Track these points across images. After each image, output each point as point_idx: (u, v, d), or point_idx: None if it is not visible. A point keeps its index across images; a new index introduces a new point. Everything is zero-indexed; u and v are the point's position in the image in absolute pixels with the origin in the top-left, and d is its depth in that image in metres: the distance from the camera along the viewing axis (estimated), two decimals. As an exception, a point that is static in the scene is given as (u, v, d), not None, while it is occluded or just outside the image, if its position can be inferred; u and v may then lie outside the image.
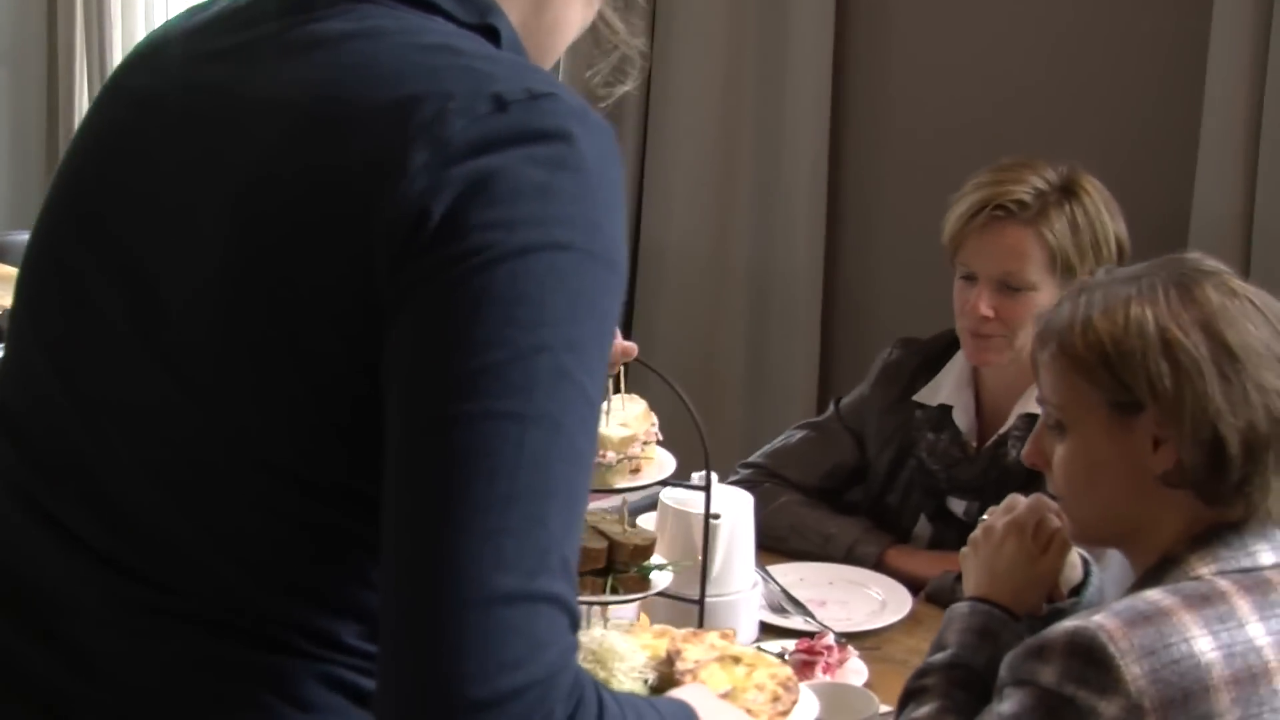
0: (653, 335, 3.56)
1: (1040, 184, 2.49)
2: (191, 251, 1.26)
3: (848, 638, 2.37)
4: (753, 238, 3.41)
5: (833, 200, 3.35)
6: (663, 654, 1.89)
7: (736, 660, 1.89)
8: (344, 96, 1.23)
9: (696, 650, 1.88)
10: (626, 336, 3.56)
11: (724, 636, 1.94)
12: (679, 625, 2.07)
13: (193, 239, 1.26)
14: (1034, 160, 2.53)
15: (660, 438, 2.09)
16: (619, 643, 1.73)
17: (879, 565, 2.60)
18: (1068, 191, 2.50)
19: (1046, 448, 1.79)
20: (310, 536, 1.26)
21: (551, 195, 1.18)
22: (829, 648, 2.28)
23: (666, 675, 1.87)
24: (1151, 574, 1.72)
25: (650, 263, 3.55)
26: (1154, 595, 1.64)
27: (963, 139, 3.18)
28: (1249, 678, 1.60)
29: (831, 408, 2.79)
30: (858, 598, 2.53)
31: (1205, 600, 1.63)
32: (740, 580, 2.35)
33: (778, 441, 2.80)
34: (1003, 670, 1.67)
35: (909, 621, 2.44)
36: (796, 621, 2.44)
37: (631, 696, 1.29)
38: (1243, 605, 1.64)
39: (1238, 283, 1.74)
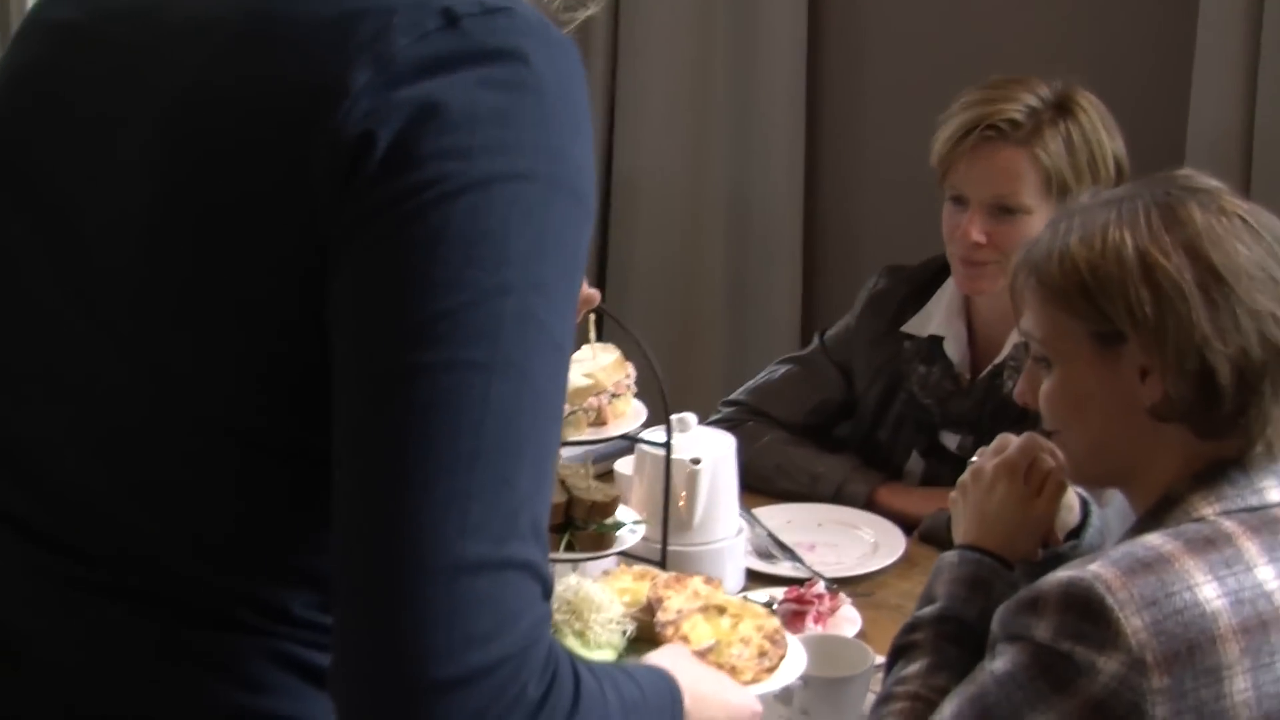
0: (627, 268, 3.43)
1: (1033, 101, 2.35)
2: (114, 184, 1.15)
3: (839, 583, 2.27)
4: (729, 162, 3.28)
5: (812, 120, 3.22)
6: (644, 598, 1.78)
7: (721, 611, 1.77)
8: (277, 12, 1.12)
9: (679, 599, 1.76)
10: (600, 270, 3.48)
11: (708, 582, 1.82)
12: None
13: (115, 171, 1.15)
14: (1027, 77, 2.40)
15: (635, 389, 1.95)
16: (595, 592, 1.61)
17: (870, 504, 2.49)
18: (1062, 109, 2.37)
19: (1036, 383, 1.69)
20: (252, 497, 1.15)
21: (510, 120, 1.07)
22: (819, 596, 2.17)
23: (646, 625, 1.75)
24: (1152, 515, 1.61)
25: (623, 191, 3.41)
26: (1154, 540, 1.52)
27: (950, 54, 3.04)
28: (1259, 625, 1.49)
29: (816, 340, 2.66)
30: (848, 540, 2.42)
31: (1209, 543, 1.52)
32: (724, 527, 2.24)
33: (760, 378, 2.68)
34: (995, 624, 1.56)
35: (903, 564, 2.34)
36: (785, 568, 2.33)
37: (608, 667, 1.20)
38: (1250, 547, 1.53)
39: (1230, 200, 1.62)
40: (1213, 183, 1.64)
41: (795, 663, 1.77)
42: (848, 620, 2.15)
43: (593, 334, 1.97)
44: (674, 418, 2.27)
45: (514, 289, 1.05)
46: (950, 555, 1.80)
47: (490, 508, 1.02)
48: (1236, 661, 1.46)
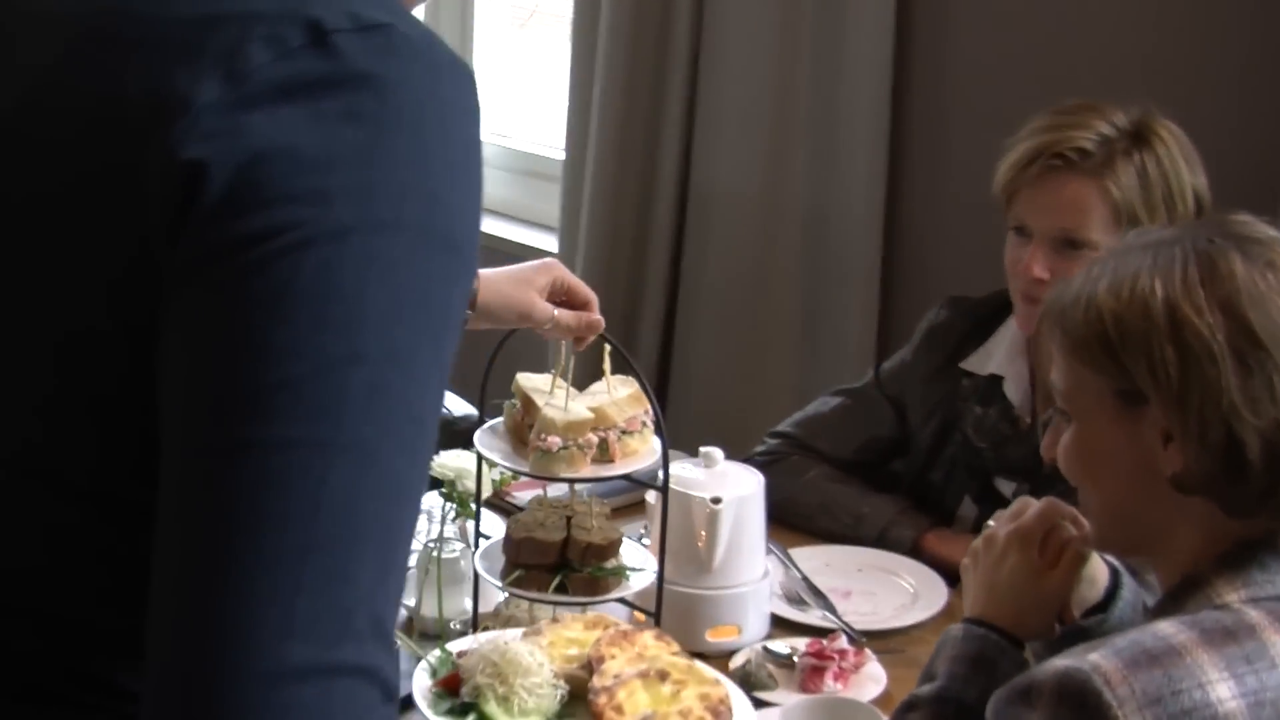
0: (699, 284, 3.30)
1: (1106, 129, 2.19)
2: None
3: (869, 636, 2.13)
4: (808, 178, 3.13)
5: (895, 139, 3.05)
6: (589, 649, 1.64)
7: (664, 676, 1.64)
8: (132, 9, 1.00)
9: (620, 659, 1.63)
10: (672, 285, 3.36)
11: (659, 639, 1.69)
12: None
13: None
14: (1100, 103, 2.24)
15: (650, 424, 1.83)
16: (523, 653, 1.48)
17: (916, 550, 2.34)
18: (1138, 138, 2.20)
19: (1059, 440, 1.56)
20: (73, 553, 1.02)
21: (377, 159, 0.94)
22: (842, 651, 2.04)
23: (581, 683, 1.62)
24: (1172, 597, 1.46)
25: (698, 205, 3.28)
26: (1167, 628, 1.37)
27: (1038, 75, 2.87)
28: None
29: (870, 373, 2.52)
30: (887, 588, 2.28)
31: (1229, 635, 1.36)
32: (747, 571, 2.11)
33: (810, 409, 2.54)
34: (988, 712, 1.42)
35: (942, 618, 2.19)
36: (814, 616, 2.19)
37: None
38: (1278, 641, 1.37)
39: (1277, 251, 1.46)
40: (1271, 232, 1.49)
41: None
42: (872, 679, 2.02)
43: (607, 365, 1.85)
44: (701, 451, 2.15)
45: (366, 358, 0.92)
46: (955, 629, 1.66)
47: (320, 606, 0.89)
48: None
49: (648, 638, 1.68)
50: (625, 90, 3.29)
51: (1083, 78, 2.77)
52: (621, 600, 1.84)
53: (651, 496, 2.15)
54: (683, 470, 2.13)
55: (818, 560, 2.34)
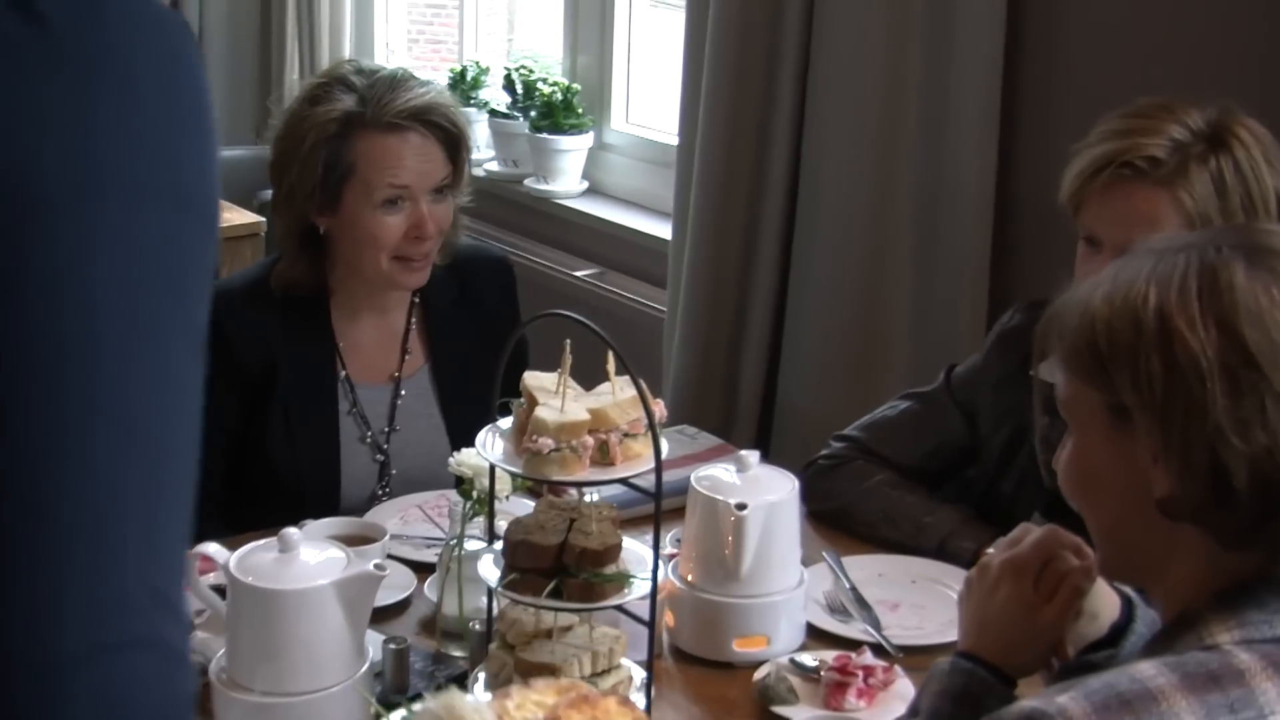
0: (808, 279, 3.22)
1: (1180, 134, 2.05)
2: None
3: (910, 651, 2.05)
4: (918, 172, 3.03)
5: (1005, 134, 2.94)
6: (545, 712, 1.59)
7: None
8: None
9: None
10: (782, 280, 3.29)
11: (623, 705, 1.63)
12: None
13: None
14: (1176, 102, 2.10)
15: (655, 429, 1.75)
16: (469, 712, 1.42)
17: (975, 563, 2.23)
18: (1216, 142, 2.06)
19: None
20: None
21: (94, 119, 0.91)
22: (868, 667, 1.96)
23: None
24: (1166, 635, 1.36)
25: (809, 198, 3.20)
26: (1147, 669, 1.27)
27: (1152, 67, 2.73)
28: None
29: (941, 377, 2.42)
30: (939, 602, 2.18)
31: (1213, 680, 1.25)
32: (779, 580, 2.04)
33: (878, 412, 2.45)
34: None
35: (991, 636, 2.09)
36: (855, 629, 2.11)
37: None
38: (1269, 689, 1.26)
39: None
40: (1260, 236, 1.37)
41: None
42: (899, 697, 1.94)
43: (611, 366, 1.79)
44: (736, 454, 2.09)
45: (109, 332, 0.90)
46: (943, 663, 1.57)
47: (93, 586, 0.88)
48: None
49: (610, 705, 1.62)
50: (734, 78, 3.22)
51: (1193, 70, 2.63)
52: (617, 608, 1.78)
53: (687, 501, 2.09)
54: (714, 473, 2.07)
55: (871, 570, 2.26)
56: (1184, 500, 1.31)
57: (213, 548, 1.89)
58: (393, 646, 1.93)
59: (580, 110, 4.05)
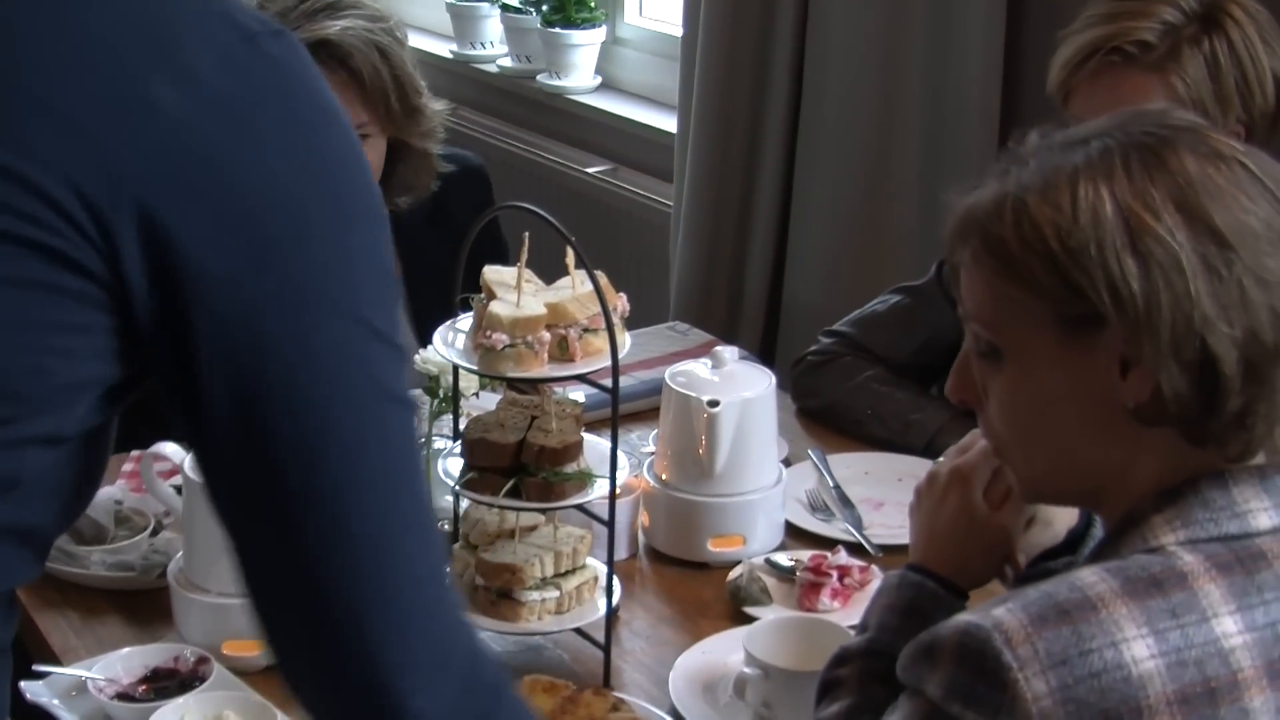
0: (813, 180, 3.14)
1: (1171, 16, 1.96)
2: None
3: (891, 551, 2.00)
4: (926, 58, 2.94)
5: (1013, 18, 2.85)
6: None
7: None
8: None
9: None
10: (789, 166, 3.22)
11: (597, 695, 1.60)
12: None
13: None
14: None
15: (611, 323, 1.70)
16: None
17: (965, 461, 2.18)
18: (1209, 22, 1.97)
19: (979, 379, 1.34)
20: None
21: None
22: (843, 567, 1.92)
23: None
24: (1111, 539, 1.29)
25: (814, 84, 3.12)
26: (1088, 577, 1.21)
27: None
28: (1205, 694, 1.17)
29: (933, 270, 2.35)
30: (925, 501, 2.13)
31: (1154, 585, 1.20)
32: (755, 478, 2.00)
33: (868, 307, 2.39)
34: (898, 669, 1.28)
35: (976, 534, 2.04)
36: (837, 528, 2.07)
37: None
38: (1212, 591, 1.20)
39: (1221, 140, 1.26)
40: (1193, 118, 1.30)
41: None
42: (874, 597, 1.89)
43: (570, 259, 1.74)
44: (713, 351, 2.04)
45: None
46: (892, 575, 1.52)
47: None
48: None
49: (588, 696, 1.60)
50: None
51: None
52: (577, 507, 1.74)
53: (662, 398, 2.04)
54: (689, 370, 2.02)
55: (857, 468, 2.21)
56: (1170, 402, 1.23)
57: (170, 448, 1.86)
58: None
59: (593, 4, 3.98)
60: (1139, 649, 1.17)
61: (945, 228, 1.33)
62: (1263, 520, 1.25)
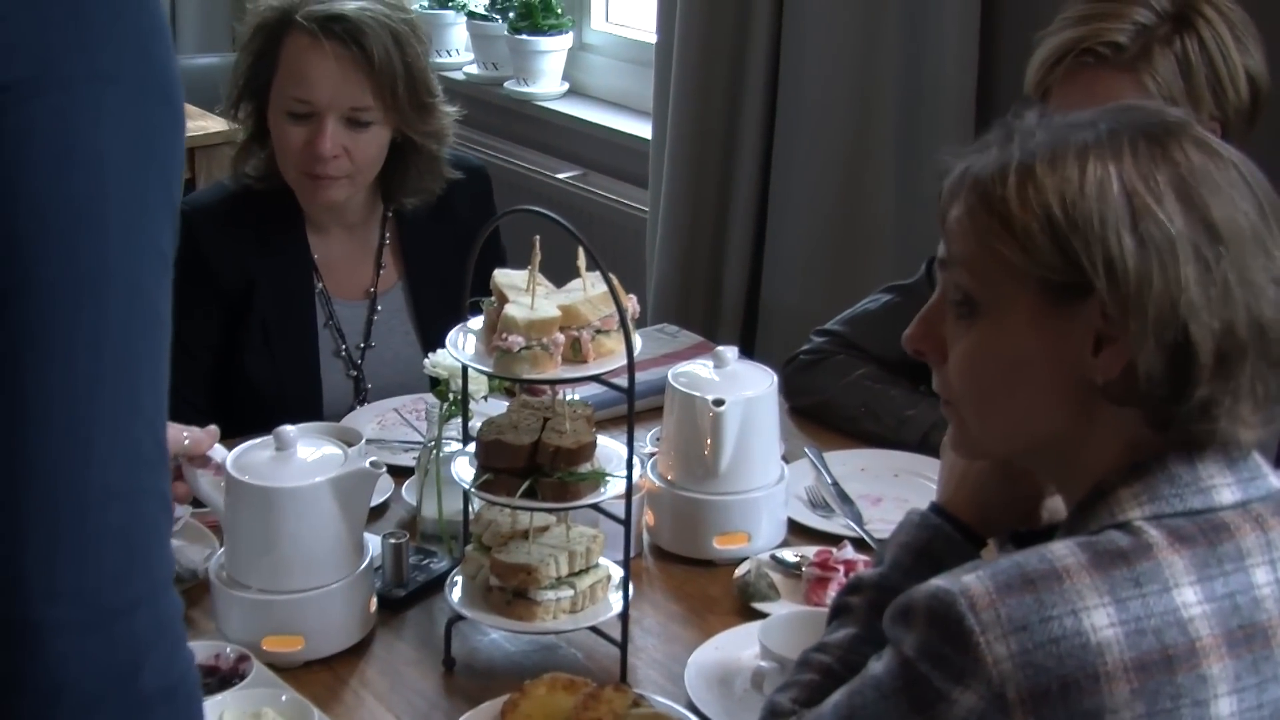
0: (790, 181, 3.18)
1: (1143, 16, 2.01)
2: None
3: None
4: (901, 59, 2.99)
5: (988, 17, 2.90)
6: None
7: None
8: None
9: None
10: (766, 168, 3.25)
11: (617, 691, 1.62)
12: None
13: None
14: None
15: (627, 324, 1.72)
16: None
17: (960, 457, 2.22)
18: (1181, 21, 2.01)
19: (944, 331, 1.37)
20: None
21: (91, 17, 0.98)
22: (849, 561, 1.95)
23: None
24: (1079, 510, 1.32)
25: (790, 86, 3.15)
26: (1059, 549, 1.25)
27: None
28: (1161, 661, 1.21)
29: (923, 269, 2.38)
30: (922, 495, 2.13)
31: (1120, 557, 1.23)
32: (759, 476, 2.02)
33: (860, 306, 2.43)
34: (884, 620, 1.31)
35: (975, 528, 2.07)
36: (838, 524, 2.10)
37: None
38: (1175, 562, 1.24)
39: (1214, 139, 1.31)
40: (1182, 114, 1.34)
41: None
42: (881, 591, 1.92)
43: (582, 261, 1.76)
44: (715, 351, 2.07)
45: (114, 198, 0.97)
46: (915, 514, 1.54)
47: (115, 436, 0.97)
48: (1125, 706, 1.20)
49: (609, 692, 1.62)
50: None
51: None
52: (593, 506, 1.76)
53: (665, 399, 2.06)
54: (692, 370, 2.05)
55: (853, 464, 2.24)
56: (1141, 382, 1.27)
57: (217, 450, 1.87)
58: (391, 541, 1.93)
59: (559, 10, 4.00)
60: (1099, 617, 1.20)
61: (942, 184, 1.35)
62: (1226, 495, 1.29)
